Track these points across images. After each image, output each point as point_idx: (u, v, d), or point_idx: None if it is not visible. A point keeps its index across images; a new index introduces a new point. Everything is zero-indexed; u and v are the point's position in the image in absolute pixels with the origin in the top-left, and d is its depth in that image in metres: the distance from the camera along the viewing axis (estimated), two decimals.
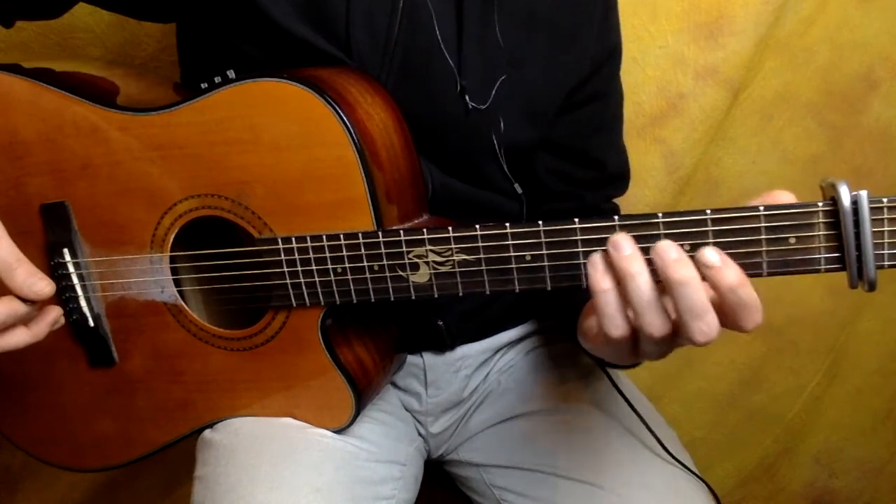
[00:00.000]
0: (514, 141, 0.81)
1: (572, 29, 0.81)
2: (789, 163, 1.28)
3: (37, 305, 0.65)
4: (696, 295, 0.52)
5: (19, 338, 0.65)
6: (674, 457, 0.83)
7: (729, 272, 0.52)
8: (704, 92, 1.17)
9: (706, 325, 0.52)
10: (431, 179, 0.78)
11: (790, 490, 1.53)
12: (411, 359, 0.89)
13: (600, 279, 0.55)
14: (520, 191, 0.85)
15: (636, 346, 0.58)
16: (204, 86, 0.68)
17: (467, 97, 0.76)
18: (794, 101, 1.24)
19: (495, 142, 0.79)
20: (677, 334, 0.55)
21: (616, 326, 0.56)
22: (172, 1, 0.80)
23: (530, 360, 0.95)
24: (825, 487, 1.52)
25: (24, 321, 0.65)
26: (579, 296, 0.63)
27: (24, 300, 0.63)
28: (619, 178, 0.92)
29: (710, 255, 0.52)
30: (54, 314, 0.67)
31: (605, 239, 0.58)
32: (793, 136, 1.26)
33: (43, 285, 0.63)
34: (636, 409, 0.85)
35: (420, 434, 0.93)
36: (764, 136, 1.26)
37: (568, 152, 0.87)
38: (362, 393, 0.75)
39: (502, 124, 0.79)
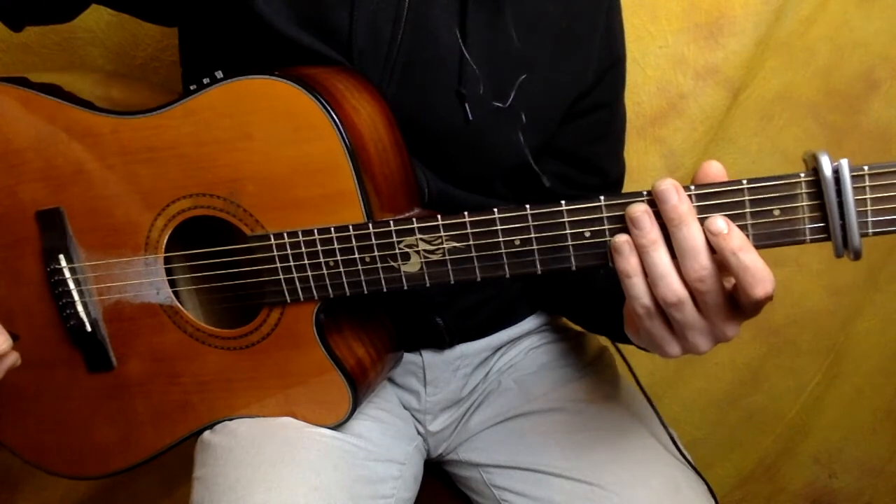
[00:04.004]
0: (517, 147, 0.80)
1: (577, 35, 0.80)
2: (789, 163, 1.27)
3: None
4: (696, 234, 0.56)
5: None
6: (680, 450, 0.83)
7: (734, 238, 0.55)
8: (704, 92, 1.17)
9: (700, 265, 0.55)
10: (429, 186, 0.78)
11: (790, 490, 1.53)
12: (410, 357, 0.89)
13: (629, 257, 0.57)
14: (548, 184, 0.84)
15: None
16: (193, 87, 0.68)
17: (467, 105, 0.76)
18: (794, 101, 1.24)
19: (522, 140, 0.79)
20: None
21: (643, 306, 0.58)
22: (176, 7, 0.80)
23: (530, 360, 0.95)
24: (825, 487, 1.52)
25: None
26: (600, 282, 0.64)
27: None
28: (617, 186, 0.92)
29: (719, 222, 0.55)
30: (11, 359, 0.71)
31: (592, 220, 0.60)
32: (793, 136, 1.26)
33: (1, 340, 0.68)
34: (652, 403, 0.86)
35: (419, 433, 0.93)
36: (764, 136, 1.26)
37: (572, 159, 0.87)
38: (359, 386, 0.75)
39: (525, 122, 0.78)
